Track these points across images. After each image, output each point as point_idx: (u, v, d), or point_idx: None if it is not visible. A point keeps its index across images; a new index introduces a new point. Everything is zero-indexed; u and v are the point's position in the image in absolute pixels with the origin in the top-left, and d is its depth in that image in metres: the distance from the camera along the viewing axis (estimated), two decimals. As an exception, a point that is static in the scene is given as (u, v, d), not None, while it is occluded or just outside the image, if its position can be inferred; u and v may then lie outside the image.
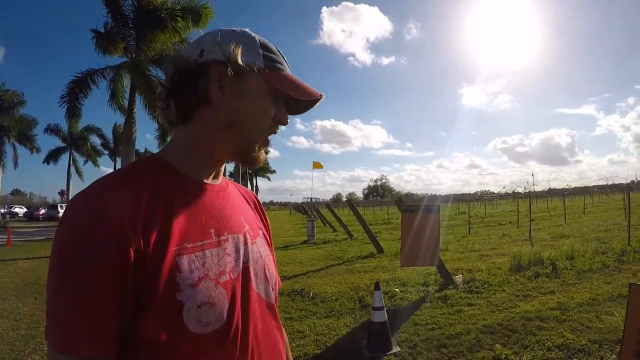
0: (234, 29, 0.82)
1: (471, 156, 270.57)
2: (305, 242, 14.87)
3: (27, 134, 29.78)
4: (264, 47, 0.81)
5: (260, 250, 0.87)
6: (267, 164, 65.46)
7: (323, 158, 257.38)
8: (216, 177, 0.86)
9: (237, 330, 0.74)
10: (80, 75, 14.92)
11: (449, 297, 5.59)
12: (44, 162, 33.75)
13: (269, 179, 76.87)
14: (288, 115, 0.86)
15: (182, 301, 0.67)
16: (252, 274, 0.81)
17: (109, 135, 37.76)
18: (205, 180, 0.82)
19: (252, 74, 0.78)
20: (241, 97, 0.78)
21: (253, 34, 0.82)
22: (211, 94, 0.77)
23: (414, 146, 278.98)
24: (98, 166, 38.31)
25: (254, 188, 71.64)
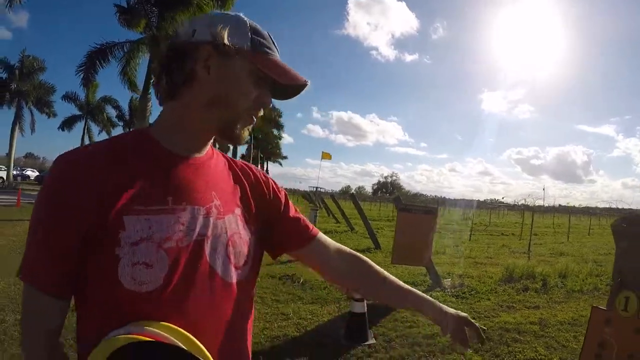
0: (227, 12, 0.88)
1: (485, 163, 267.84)
2: (306, 230, 14.97)
3: (45, 100, 30.33)
4: (253, 30, 0.85)
5: (228, 226, 0.88)
6: (279, 149, 65.25)
7: (337, 149, 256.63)
8: (198, 150, 0.90)
9: (173, 296, 0.77)
10: (99, 47, 15.22)
11: (434, 299, 5.65)
12: (59, 128, 34.29)
13: (280, 164, 76.93)
14: (273, 99, 0.92)
15: (119, 256, 0.74)
16: (207, 247, 0.83)
17: (125, 107, 38.21)
18: (185, 153, 0.87)
19: (238, 55, 0.82)
20: (225, 77, 0.83)
21: (245, 18, 0.86)
22: (198, 73, 0.82)
23: (428, 146, 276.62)
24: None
25: (265, 172, 71.85)
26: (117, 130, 44.09)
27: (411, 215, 6.22)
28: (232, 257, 0.87)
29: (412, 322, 4.68)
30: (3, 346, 3.58)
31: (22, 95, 28.98)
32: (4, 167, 29.95)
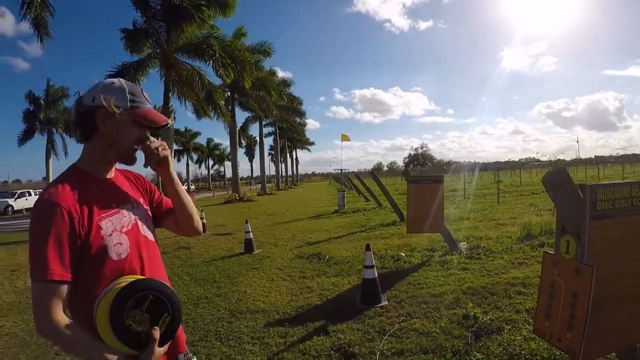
0: (113, 81, 1.34)
1: (515, 122, 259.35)
2: (335, 211, 15.52)
3: None
4: (131, 93, 1.34)
5: (142, 209, 1.47)
6: (305, 136, 65.71)
7: (364, 127, 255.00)
8: (109, 173, 1.41)
9: (135, 256, 1.34)
10: (115, 70, 16.06)
11: (448, 262, 6.06)
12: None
13: (309, 150, 77.58)
14: (154, 129, 1.41)
15: (105, 244, 1.27)
16: (139, 224, 1.41)
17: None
18: (104, 176, 1.40)
19: (120, 114, 1.29)
20: (114, 128, 1.32)
21: (124, 85, 1.34)
22: (98, 126, 1.31)
23: (455, 112, 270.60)
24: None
25: (294, 160, 72.62)
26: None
27: (419, 185, 6.59)
28: (148, 226, 1.46)
29: (423, 284, 5.12)
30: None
31: (51, 122, 31.06)
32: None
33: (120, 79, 1.37)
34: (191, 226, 1.59)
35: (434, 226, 6.63)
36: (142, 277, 1.30)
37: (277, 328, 4.13)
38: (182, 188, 1.56)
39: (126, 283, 1.20)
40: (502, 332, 3.59)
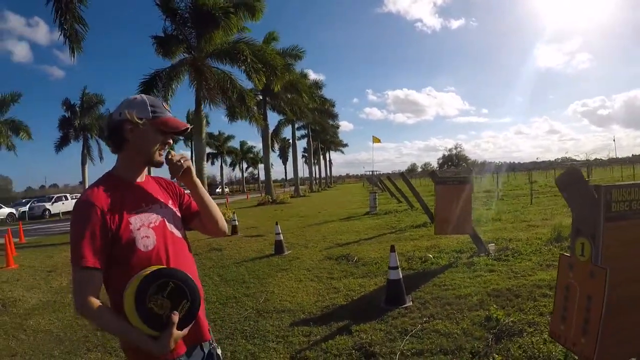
0: (136, 97, 1.55)
1: (550, 121, 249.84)
2: (367, 213, 15.55)
3: None
4: (151, 105, 1.53)
5: (170, 209, 1.63)
6: (338, 137, 65.78)
7: (397, 128, 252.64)
8: (140, 177, 1.60)
9: (161, 249, 1.49)
10: (148, 77, 16.57)
11: (475, 263, 6.02)
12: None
13: (342, 152, 77.66)
14: (176, 135, 1.64)
15: (134, 237, 1.45)
16: (166, 221, 1.58)
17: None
18: (135, 180, 1.59)
19: (144, 124, 1.50)
20: (139, 138, 1.52)
21: (145, 99, 1.54)
22: (127, 137, 1.51)
23: (490, 112, 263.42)
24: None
25: (327, 162, 72.82)
26: (179, 145, 47.43)
27: (447, 186, 6.57)
28: (176, 224, 1.62)
29: (448, 286, 5.13)
30: (104, 334, 4.57)
31: (86, 129, 32.24)
32: (80, 194, 33.57)
33: (142, 95, 1.58)
34: (216, 227, 1.77)
35: (461, 227, 6.59)
36: (166, 267, 1.46)
37: (301, 327, 4.25)
38: (206, 193, 1.73)
39: (150, 271, 1.37)
40: (523, 335, 3.58)
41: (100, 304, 1.36)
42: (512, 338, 3.55)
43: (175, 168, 1.59)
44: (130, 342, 1.38)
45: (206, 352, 1.59)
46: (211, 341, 1.64)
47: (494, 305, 4.26)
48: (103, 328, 1.45)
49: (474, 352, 3.39)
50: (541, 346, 3.34)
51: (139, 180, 1.60)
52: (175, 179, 1.68)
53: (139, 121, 1.49)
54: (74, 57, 12.54)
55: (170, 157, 1.59)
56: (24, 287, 7.00)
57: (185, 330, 1.41)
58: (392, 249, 4.79)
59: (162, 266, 1.45)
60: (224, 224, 1.81)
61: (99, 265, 1.38)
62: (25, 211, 29.51)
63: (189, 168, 1.62)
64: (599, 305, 2.28)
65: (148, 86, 16.27)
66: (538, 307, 4.18)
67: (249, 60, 16.39)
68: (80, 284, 1.37)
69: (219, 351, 1.68)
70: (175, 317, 1.35)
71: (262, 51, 17.60)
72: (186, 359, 1.48)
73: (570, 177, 2.43)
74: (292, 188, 40.88)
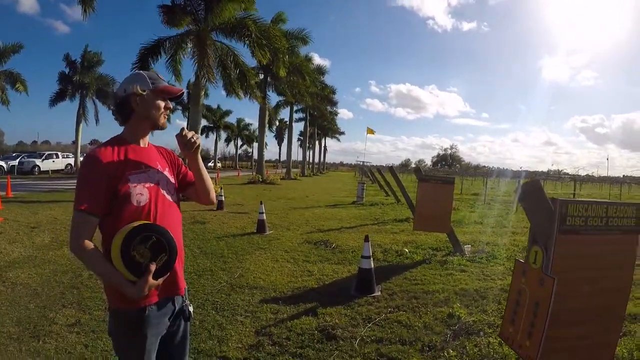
0: (135, 74, 1.76)
1: (548, 132, 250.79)
2: (354, 202, 15.72)
3: (106, 91, 32.45)
4: (150, 78, 1.74)
5: (165, 175, 1.78)
6: (336, 124, 65.63)
7: (396, 122, 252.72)
8: (144, 143, 1.79)
9: (152, 207, 1.66)
10: (151, 43, 16.39)
11: (449, 262, 6.19)
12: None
13: (338, 139, 77.54)
14: (174, 101, 1.87)
15: (130, 192, 1.61)
16: (160, 185, 1.74)
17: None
18: (139, 145, 1.77)
19: (146, 93, 1.70)
20: (144, 105, 1.72)
21: (144, 73, 1.76)
22: (134, 108, 1.72)
23: (490, 117, 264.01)
24: (170, 122, 41.15)
25: (323, 148, 72.77)
26: (177, 115, 47.14)
27: (430, 185, 6.71)
28: (169, 189, 1.78)
29: (418, 280, 5.30)
30: (80, 292, 4.68)
31: (84, 87, 31.61)
32: (71, 154, 33.20)
33: (140, 71, 1.80)
34: (207, 198, 1.98)
35: (440, 226, 6.75)
36: (152, 222, 1.63)
37: (270, 305, 4.39)
38: (204, 167, 1.91)
39: (139, 224, 1.55)
40: (481, 334, 3.74)
41: (92, 246, 1.54)
42: (470, 337, 3.71)
43: (190, 144, 1.77)
44: (112, 283, 1.55)
45: (177, 307, 1.77)
46: (184, 297, 1.82)
47: (458, 304, 4.43)
48: (90, 267, 1.61)
49: (431, 345, 3.55)
50: (496, 347, 3.49)
51: (142, 145, 1.78)
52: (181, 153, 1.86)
53: (143, 92, 1.70)
54: (86, 15, 12.46)
55: (183, 133, 1.76)
56: (7, 241, 7.07)
57: (160, 280, 1.58)
58: (366, 239, 4.93)
59: (149, 222, 1.61)
60: (214, 196, 2.03)
61: (95, 211, 1.56)
62: (14, 165, 29.17)
63: (198, 146, 1.81)
64: (545, 312, 2.41)
65: (149, 52, 16.16)
66: (501, 310, 4.30)
67: (253, 35, 16.29)
68: (77, 225, 1.54)
69: (191, 309, 1.85)
70: (153, 267, 1.53)
71: (268, 31, 17.47)
72: (156, 309, 1.66)
73: (531, 187, 2.55)
74: (285, 170, 40.91)
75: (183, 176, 1.94)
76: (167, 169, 1.84)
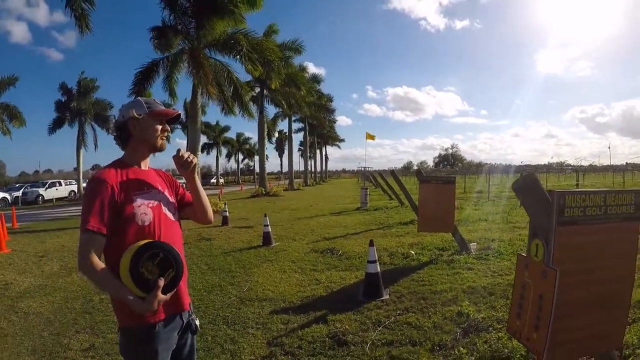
0: (132, 100, 1.88)
1: (548, 125, 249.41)
2: (358, 208, 15.74)
3: (103, 115, 32.64)
4: (146, 102, 1.85)
5: (166, 195, 1.87)
6: (335, 132, 65.72)
7: (395, 126, 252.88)
8: (145, 165, 1.88)
9: (155, 226, 1.74)
10: (146, 66, 16.59)
11: (455, 261, 6.22)
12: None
13: (339, 147, 77.71)
14: (171, 124, 1.96)
15: (134, 212, 1.70)
16: (162, 204, 1.82)
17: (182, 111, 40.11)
18: (140, 167, 1.86)
19: (143, 118, 1.80)
20: (142, 130, 1.83)
21: (140, 99, 1.86)
22: (131, 132, 1.82)
23: (488, 114, 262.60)
24: (170, 142, 41.15)
25: (324, 156, 72.91)
26: (177, 133, 47.57)
27: (432, 185, 6.75)
28: (170, 208, 1.87)
29: (426, 281, 5.32)
30: (92, 317, 4.73)
31: (82, 113, 31.76)
32: (74, 181, 33.38)
33: (138, 98, 1.92)
34: (205, 217, 2.05)
35: (444, 226, 6.79)
36: (158, 240, 1.70)
37: (281, 315, 4.43)
38: (201, 187, 2.01)
39: (146, 242, 1.63)
40: (490, 330, 3.76)
41: (101, 264, 1.59)
42: (480, 333, 3.73)
43: (186, 164, 1.86)
44: (121, 299, 1.58)
45: (185, 321, 1.83)
46: (190, 312, 1.88)
47: (467, 302, 4.45)
48: (99, 285, 1.64)
49: (441, 344, 3.57)
50: (506, 341, 3.51)
51: (143, 168, 1.87)
52: (176, 173, 1.96)
53: (139, 116, 1.80)
54: (82, 34, 12.60)
55: (180, 154, 1.86)
56: (16, 271, 7.15)
57: (168, 296, 1.63)
58: (371, 244, 4.98)
59: (155, 240, 1.69)
60: (211, 215, 2.09)
61: (101, 230, 1.62)
62: (18, 196, 29.33)
63: (195, 164, 1.89)
64: (549, 304, 2.44)
65: (144, 75, 16.33)
66: (509, 305, 4.27)
67: (244, 50, 16.43)
68: (84, 244, 1.59)
69: (197, 322, 1.92)
70: (161, 282, 1.58)
71: (260, 44, 17.61)
72: (165, 324, 1.71)
73: (527, 181, 2.59)
74: (287, 181, 41.00)
75: (181, 197, 2.02)
76: (166, 189, 1.92)
